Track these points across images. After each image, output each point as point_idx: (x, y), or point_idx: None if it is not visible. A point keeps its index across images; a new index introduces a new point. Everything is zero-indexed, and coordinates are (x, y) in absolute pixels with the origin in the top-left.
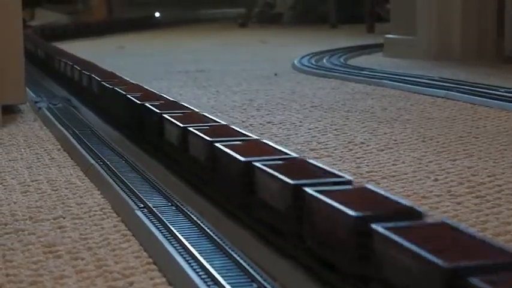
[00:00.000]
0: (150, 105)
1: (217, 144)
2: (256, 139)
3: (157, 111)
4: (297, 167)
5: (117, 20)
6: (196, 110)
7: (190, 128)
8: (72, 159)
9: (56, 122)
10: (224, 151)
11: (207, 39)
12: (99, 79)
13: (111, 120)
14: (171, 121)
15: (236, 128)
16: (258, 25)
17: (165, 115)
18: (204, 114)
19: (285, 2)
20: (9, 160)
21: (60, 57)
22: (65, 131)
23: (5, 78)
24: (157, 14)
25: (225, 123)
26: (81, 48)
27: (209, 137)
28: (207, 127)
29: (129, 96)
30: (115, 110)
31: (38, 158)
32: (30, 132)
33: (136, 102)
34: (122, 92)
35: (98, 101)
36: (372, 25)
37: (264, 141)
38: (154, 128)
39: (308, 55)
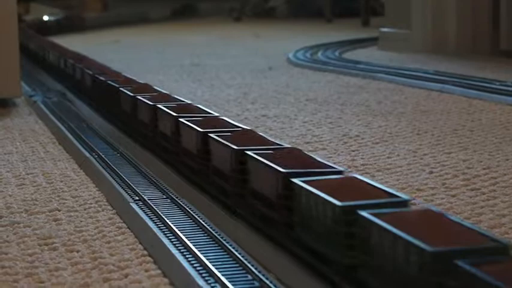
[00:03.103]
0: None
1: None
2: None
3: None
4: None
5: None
6: None
7: None
8: (67, 152)
9: (51, 116)
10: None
11: (202, 33)
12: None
13: None
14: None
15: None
16: (252, 19)
17: None
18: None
19: None
20: (4, 153)
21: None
22: (60, 124)
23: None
24: (45, 18)
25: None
26: (76, 43)
27: None
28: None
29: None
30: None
31: (33, 152)
32: (25, 126)
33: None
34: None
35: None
36: (367, 19)
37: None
38: None
39: (303, 49)
